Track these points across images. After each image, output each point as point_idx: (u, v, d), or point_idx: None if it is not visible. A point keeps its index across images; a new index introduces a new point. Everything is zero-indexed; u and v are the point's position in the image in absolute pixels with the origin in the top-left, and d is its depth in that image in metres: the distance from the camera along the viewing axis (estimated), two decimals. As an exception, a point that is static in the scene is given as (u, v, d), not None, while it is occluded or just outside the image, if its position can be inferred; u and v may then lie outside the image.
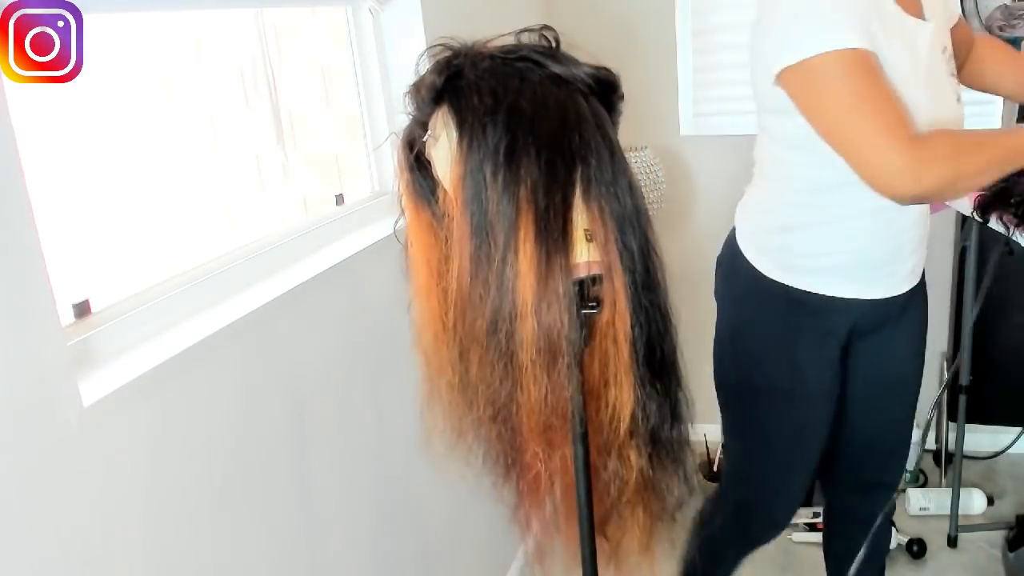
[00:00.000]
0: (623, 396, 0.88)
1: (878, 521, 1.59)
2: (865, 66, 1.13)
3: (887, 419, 1.58)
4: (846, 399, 1.52)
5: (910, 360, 1.56)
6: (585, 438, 0.96)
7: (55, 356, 0.87)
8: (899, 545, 2.27)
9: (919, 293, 1.49)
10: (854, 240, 1.36)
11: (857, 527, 1.63)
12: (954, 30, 1.36)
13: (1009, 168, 1.16)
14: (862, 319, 1.43)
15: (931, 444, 2.71)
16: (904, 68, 1.20)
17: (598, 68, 0.88)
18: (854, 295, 1.39)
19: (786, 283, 1.38)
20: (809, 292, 1.39)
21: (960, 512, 2.29)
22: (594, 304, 0.88)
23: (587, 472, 0.98)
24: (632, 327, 0.87)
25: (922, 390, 2.66)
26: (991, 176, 1.18)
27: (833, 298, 1.39)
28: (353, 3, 1.65)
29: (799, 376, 1.43)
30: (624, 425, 0.89)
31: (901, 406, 1.59)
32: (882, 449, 1.61)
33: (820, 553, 2.30)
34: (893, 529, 2.27)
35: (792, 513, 1.61)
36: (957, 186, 1.17)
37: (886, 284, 1.41)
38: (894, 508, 1.73)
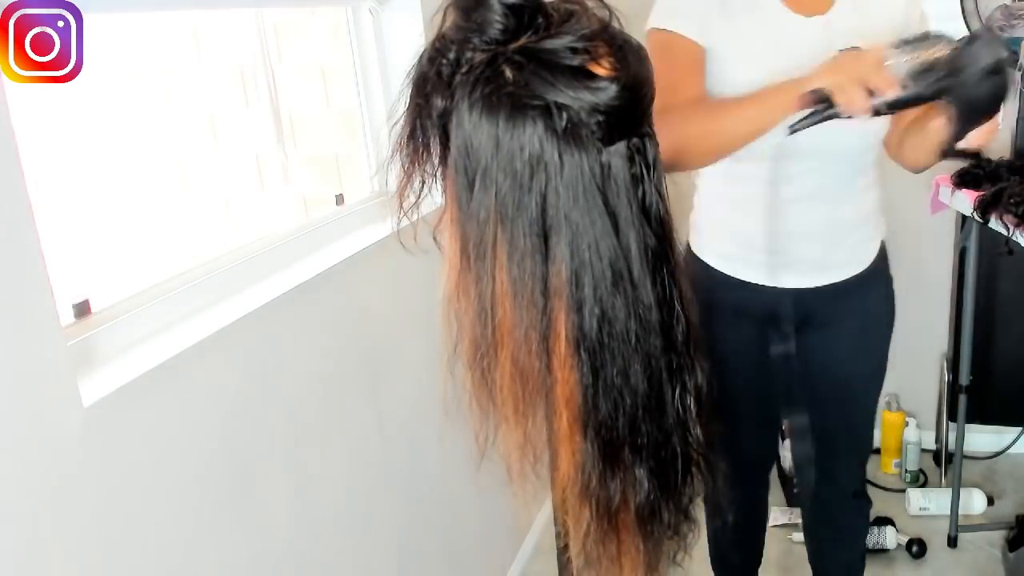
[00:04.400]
0: (562, 463, 0.79)
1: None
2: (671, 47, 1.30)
3: (827, 420, 1.54)
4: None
5: (844, 363, 1.49)
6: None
7: (55, 356, 0.87)
8: (899, 545, 2.27)
9: (859, 292, 1.44)
10: (729, 223, 1.44)
11: (817, 510, 1.69)
12: None
13: (758, 125, 1.13)
14: (783, 308, 1.44)
15: (931, 444, 2.71)
16: (764, 59, 1.26)
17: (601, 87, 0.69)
18: (751, 278, 1.43)
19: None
20: (715, 270, 1.47)
21: (960, 512, 2.29)
22: None
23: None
24: (581, 402, 0.76)
25: (922, 390, 2.71)
26: (728, 138, 1.17)
27: (731, 278, 1.45)
28: (353, 3, 1.65)
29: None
30: (564, 489, 0.81)
31: (840, 409, 1.54)
32: (829, 449, 1.58)
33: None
34: (893, 529, 2.27)
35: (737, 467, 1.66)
36: (680, 154, 1.14)
37: (782, 272, 1.41)
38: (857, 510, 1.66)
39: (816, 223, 1.38)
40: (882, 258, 1.47)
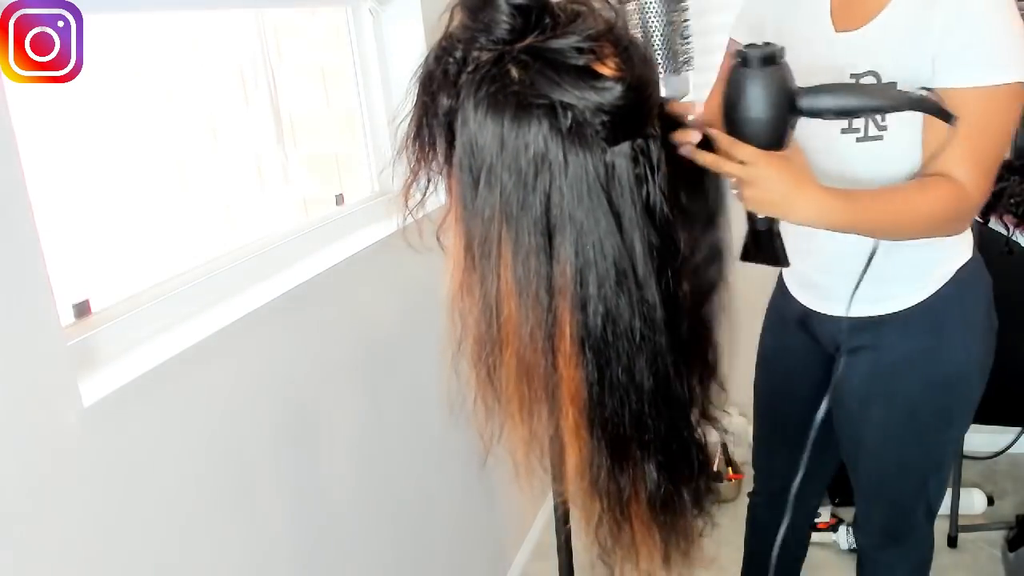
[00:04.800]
0: (570, 460, 0.80)
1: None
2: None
3: (845, 455, 1.48)
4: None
5: (857, 402, 1.38)
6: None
7: (55, 356, 0.87)
8: (899, 545, 2.27)
9: (886, 333, 1.31)
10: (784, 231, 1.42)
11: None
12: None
13: None
14: (817, 328, 1.41)
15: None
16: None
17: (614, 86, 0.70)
18: (794, 292, 1.43)
19: None
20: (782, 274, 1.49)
21: (960, 512, 2.29)
22: None
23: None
24: (587, 399, 0.77)
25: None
26: None
27: (786, 286, 1.46)
28: (353, 3, 1.65)
29: None
30: (573, 484, 0.82)
31: (856, 449, 1.44)
32: (856, 488, 1.51)
33: (820, 553, 2.30)
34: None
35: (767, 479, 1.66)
36: None
37: (806, 292, 1.41)
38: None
39: (824, 253, 1.31)
40: (930, 310, 1.29)
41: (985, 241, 2.16)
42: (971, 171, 1.08)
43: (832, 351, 1.40)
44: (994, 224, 1.86)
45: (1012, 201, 1.81)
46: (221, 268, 1.24)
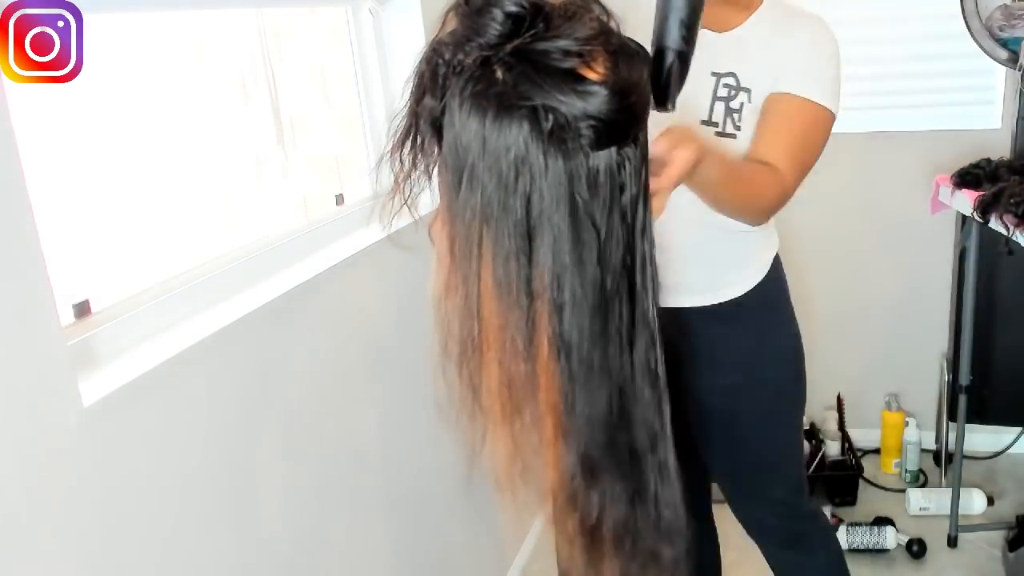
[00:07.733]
0: (549, 472, 0.79)
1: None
2: None
3: (721, 453, 1.53)
4: None
5: (688, 391, 1.43)
6: None
7: (55, 356, 0.87)
8: (899, 545, 2.27)
9: (703, 324, 1.41)
10: None
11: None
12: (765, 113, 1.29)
13: None
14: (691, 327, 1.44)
15: (931, 444, 2.71)
16: None
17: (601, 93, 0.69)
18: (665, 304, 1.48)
19: None
20: None
21: (960, 512, 2.29)
22: None
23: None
24: (562, 408, 0.76)
25: (923, 390, 2.71)
26: None
27: None
28: (353, 3, 1.65)
29: None
30: (553, 500, 0.80)
31: (731, 442, 1.50)
32: (729, 472, 1.57)
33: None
34: (893, 529, 2.27)
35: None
36: None
37: (677, 294, 1.43)
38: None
39: (677, 247, 1.37)
40: (764, 291, 1.42)
41: (985, 241, 2.17)
42: (791, 166, 1.21)
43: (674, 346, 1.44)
44: (994, 224, 1.85)
45: (1012, 201, 1.81)
46: (221, 268, 1.25)
